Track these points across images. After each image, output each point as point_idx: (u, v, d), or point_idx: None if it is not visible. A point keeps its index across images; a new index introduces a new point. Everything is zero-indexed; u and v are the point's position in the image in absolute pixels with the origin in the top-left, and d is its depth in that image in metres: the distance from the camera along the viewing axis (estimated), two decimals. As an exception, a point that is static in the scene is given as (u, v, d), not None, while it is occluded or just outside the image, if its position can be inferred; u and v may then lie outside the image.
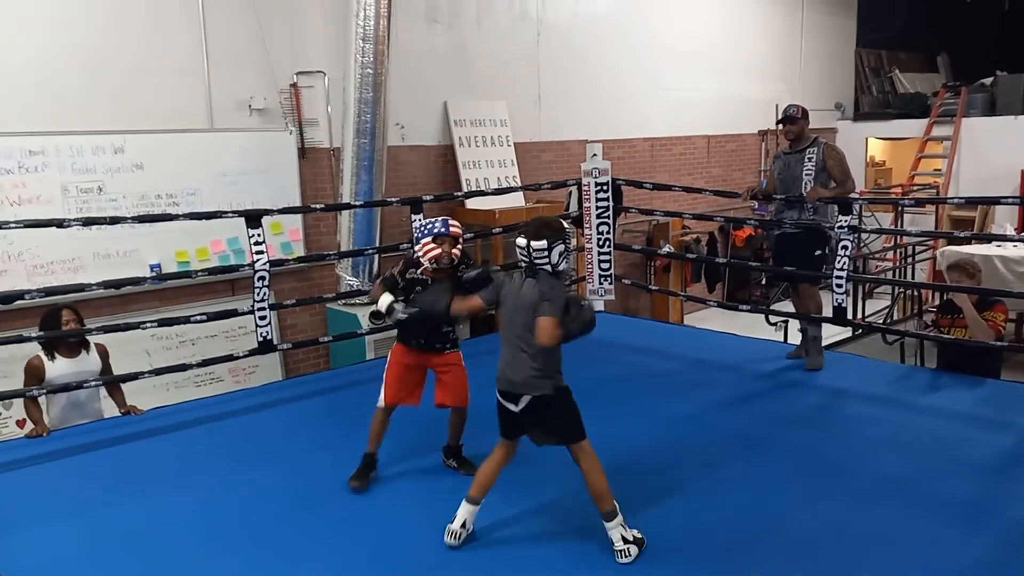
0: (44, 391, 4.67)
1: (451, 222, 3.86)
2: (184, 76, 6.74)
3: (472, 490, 3.36)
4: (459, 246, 3.87)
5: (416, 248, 3.87)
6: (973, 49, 14.49)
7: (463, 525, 3.33)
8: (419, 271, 3.89)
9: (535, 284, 3.35)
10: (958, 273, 5.52)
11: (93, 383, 4.76)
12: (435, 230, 3.78)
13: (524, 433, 3.44)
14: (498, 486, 3.42)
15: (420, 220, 3.82)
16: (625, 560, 3.19)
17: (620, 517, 3.24)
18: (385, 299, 3.87)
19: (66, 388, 4.70)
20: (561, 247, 3.33)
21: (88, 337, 4.85)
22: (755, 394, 5.09)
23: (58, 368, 4.70)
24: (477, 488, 3.37)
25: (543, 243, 3.29)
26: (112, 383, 4.94)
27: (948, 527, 3.41)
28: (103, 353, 4.93)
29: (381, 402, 3.92)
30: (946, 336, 5.46)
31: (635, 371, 5.57)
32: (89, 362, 4.83)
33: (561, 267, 3.37)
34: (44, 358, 4.71)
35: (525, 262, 3.36)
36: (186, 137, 6.71)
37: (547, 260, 3.32)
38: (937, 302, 8.26)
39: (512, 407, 3.38)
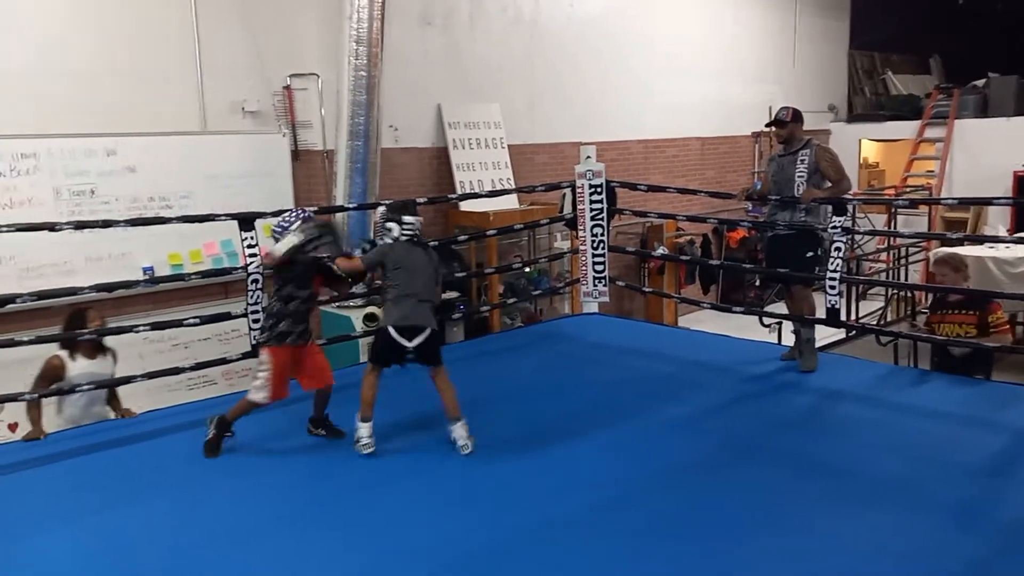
0: (34, 395, 4.66)
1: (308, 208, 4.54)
2: (177, 79, 6.73)
3: (365, 411, 4.16)
4: None
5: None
6: (965, 51, 14.53)
7: (369, 436, 4.14)
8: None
9: (427, 249, 4.38)
10: (942, 267, 5.56)
11: (86, 387, 4.75)
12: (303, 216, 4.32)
13: (399, 363, 4.25)
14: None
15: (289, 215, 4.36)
16: (466, 452, 4.10)
17: (463, 421, 4.15)
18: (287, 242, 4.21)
19: (58, 392, 4.71)
20: None
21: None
22: (749, 396, 5.09)
23: (79, 369, 4.76)
24: (368, 408, 4.17)
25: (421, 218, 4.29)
26: (110, 388, 4.95)
27: (941, 528, 3.41)
28: (114, 357, 5.00)
29: (265, 400, 4.23)
30: (938, 337, 5.48)
31: (629, 374, 5.56)
32: (106, 365, 4.89)
33: None
34: (65, 358, 4.75)
35: (409, 234, 4.25)
36: (179, 140, 6.70)
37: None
38: (930, 303, 8.31)
39: (407, 343, 4.14)
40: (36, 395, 4.65)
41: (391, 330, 4.15)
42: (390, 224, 4.24)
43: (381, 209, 4.35)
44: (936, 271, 5.69)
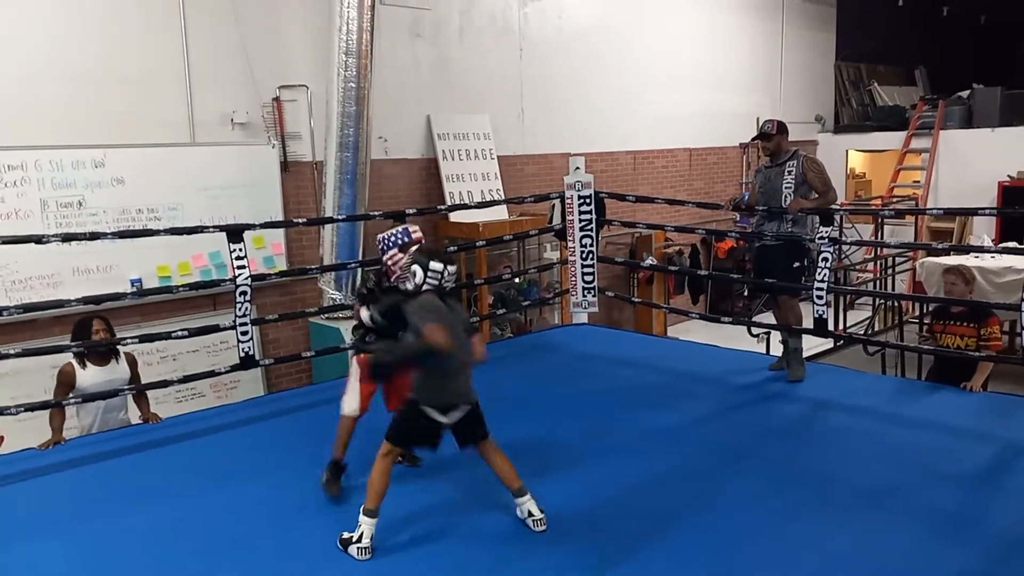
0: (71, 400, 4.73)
1: (411, 228, 4.00)
2: (166, 90, 6.72)
3: (373, 503, 3.39)
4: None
5: (385, 259, 3.95)
6: (950, 62, 14.70)
7: (371, 537, 3.37)
8: (392, 279, 3.93)
9: (455, 304, 3.65)
10: (954, 276, 5.56)
11: (92, 395, 4.79)
12: (400, 240, 3.92)
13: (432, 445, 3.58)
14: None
15: (384, 234, 4.01)
16: (540, 528, 3.49)
17: (529, 494, 3.53)
18: (364, 313, 3.93)
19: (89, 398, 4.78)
20: None
21: (120, 347, 4.98)
22: (737, 406, 5.11)
23: (89, 376, 4.78)
24: (377, 500, 3.40)
25: (455, 268, 3.59)
26: (138, 392, 5.04)
27: (929, 538, 3.42)
28: (132, 362, 5.02)
29: (355, 412, 3.96)
30: (925, 347, 5.51)
31: (618, 384, 5.57)
32: (119, 371, 4.91)
33: None
34: (76, 366, 4.79)
35: (435, 284, 3.54)
36: (168, 151, 6.69)
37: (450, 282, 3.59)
38: (917, 312, 8.36)
39: (444, 419, 3.47)
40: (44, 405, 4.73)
41: (430, 411, 3.45)
42: (415, 267, 3.55)
43: (408, 255, 3.75)
44: (945, 279, 5.68)
